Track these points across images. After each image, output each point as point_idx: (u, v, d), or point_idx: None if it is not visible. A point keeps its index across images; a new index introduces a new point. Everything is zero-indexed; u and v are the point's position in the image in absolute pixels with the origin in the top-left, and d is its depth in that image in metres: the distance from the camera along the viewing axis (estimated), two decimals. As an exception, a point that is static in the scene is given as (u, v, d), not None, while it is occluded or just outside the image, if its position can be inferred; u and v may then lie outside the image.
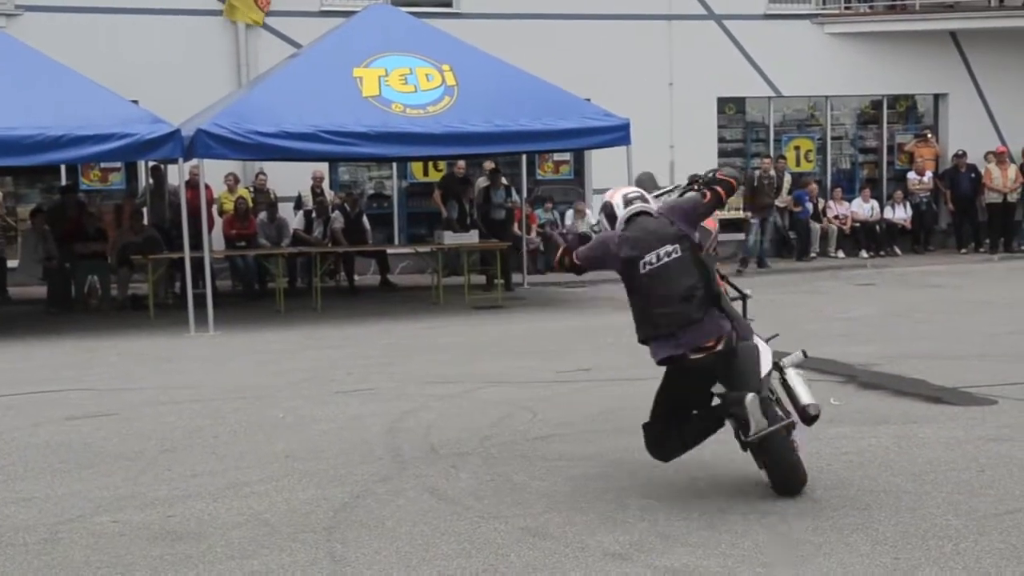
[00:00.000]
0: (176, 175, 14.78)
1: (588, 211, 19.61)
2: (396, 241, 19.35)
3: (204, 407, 8.41)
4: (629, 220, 5.77)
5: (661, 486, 5.90)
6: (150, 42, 17.65)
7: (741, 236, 19.37)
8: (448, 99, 13.73)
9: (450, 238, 15.91)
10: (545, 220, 19.23)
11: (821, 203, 20.47)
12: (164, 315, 14.32)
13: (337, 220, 17.17)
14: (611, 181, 17.51)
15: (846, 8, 21.36)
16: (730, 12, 20.29)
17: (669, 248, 5.62)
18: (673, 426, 5.84)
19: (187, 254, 13.11)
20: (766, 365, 5.76)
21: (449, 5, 19.29)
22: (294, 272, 17.03)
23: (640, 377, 9.13)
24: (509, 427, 7.43)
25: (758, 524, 5.24)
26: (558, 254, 6.07)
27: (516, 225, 17.70)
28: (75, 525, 5.54)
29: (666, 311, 5.59)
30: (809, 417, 5.71)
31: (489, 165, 17.56)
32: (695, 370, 5.66)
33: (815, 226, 20.28)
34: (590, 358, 10.24)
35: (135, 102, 14.28)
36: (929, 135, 21.41)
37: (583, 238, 6.12)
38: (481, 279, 16.85)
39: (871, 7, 21.73)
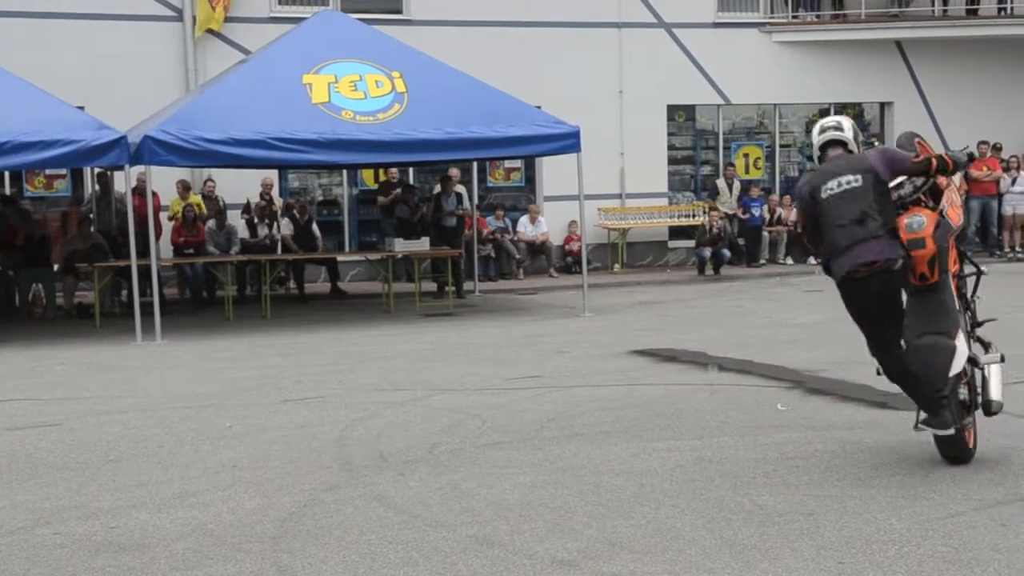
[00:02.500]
0: (123, 182, 14.62)
1: (541, 217, 19.71)
2: (347, 248, 19.28)
3: (150, 416, 8.31)
4: (823, 149, 6.24)
5: (609, 493, 5.91)
6: (96, 47, 17.47)
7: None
8: (398, 106, 13.70)
9: (401, 245, 15.87)
10: (496, 227, 19.26)
11: (777, 210, 20.64)
12: (110, 324, 14.16)
13: (287, 227, 17.08)
14: (562, 188, 17.90)
15: (793, 17, 21.59)
16: (680, 20, 20.45)
17: (851, 177, 6.00)
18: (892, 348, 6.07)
19: (134, 262, 12.97)
20: (957, 366, 5.97)
21: (399, 12, 19.27)
22: (243, 280, 16.91)
23: (589, 384, 9.18)
24: (458, 434, 7.41)
25: (704, 530, 5.26)
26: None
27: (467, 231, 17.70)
28: (15, 538, 5.44)
29: (841, 229, 5.93)
30: (990, 412, 6.11)
31: (455, 172, 17.56)
32: (862, 289, 5.94)
33: (764, 233, 20.46)
34: (540, 365, 10.26)
35: (81, 108, 14.15)
36: (876, 143, 21.65)
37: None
38: (432, 287, 16.82)
39: (818, 16, 21.99)
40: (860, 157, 6.14)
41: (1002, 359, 6.24)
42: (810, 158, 22.19)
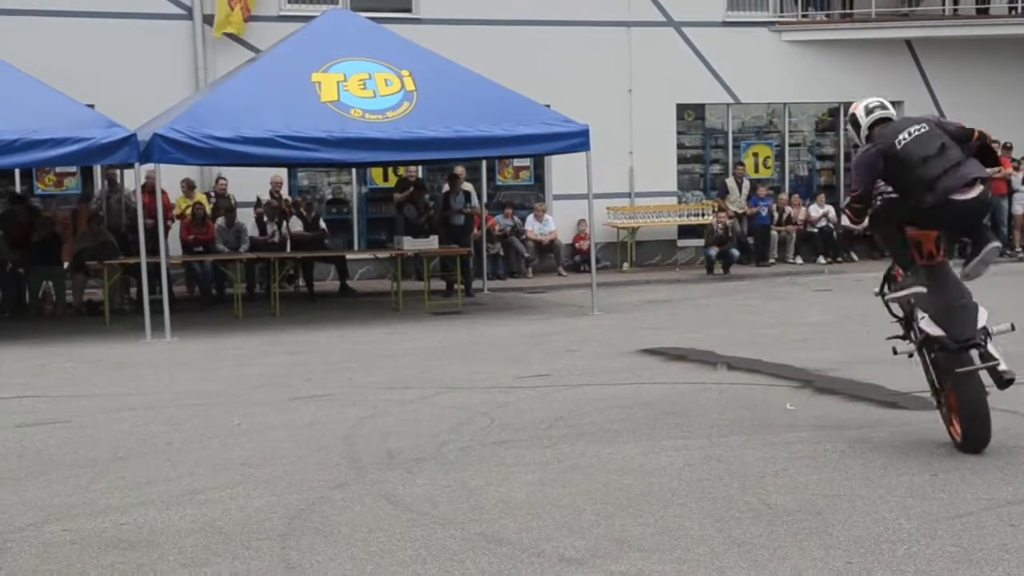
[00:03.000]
0: (132, 180, 14.65)
1: (548, 216, 19.72)
2: (356, 247, 19.30)
3: (159, 414, 8.33)
4: (873, 127, 6.55)
5: (617, 491, 5.91)
6: (106, 46, 17.51)
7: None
8: (407, 104, 13.71)
9: (410, 244, 15.88)
10: (505, 225, 19.27)
11: (787, 209, 20.61)
12: (120, 321, 14.19)
13: (295, 224, 17.12)
14: (571, 187, 17.87)
15: (803, 16, 21.56)
16: (689, 19, 20.42)
17: (916, 127, 6.41)
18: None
19: (143, 259, 13.00)
20: (983, 319, 6.34)
21: (409, 10, 19.28)
22: (252, 278, 16.94)
23: (598, 383, 9.17)
24: (467, 433, 7.41)
25: (713, 529, 5.25)
26: (853, 214, 6.62)
27: (476, 230, 17.70)
28: (25, 534, 5.46)
29: (927, 161, 6.24)
30: (1004, 381, 6.23)
31: (460, 171, 17.55)
32: (963, 207, 6.23)
33: (774, 232, 20.43)
34: (548, 364, 10.25)
35: (91, 106, 14.18)
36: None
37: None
38: (441, 285, 16.83)
39: (828, 15, 21.94)
40: (912, 118, 6.60)
41: (1012, 327, 6.45)
42: (820, 157, 22.22)
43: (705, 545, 5.04)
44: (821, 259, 20.41)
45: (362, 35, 14.67)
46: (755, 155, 21.69)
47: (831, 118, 22.13)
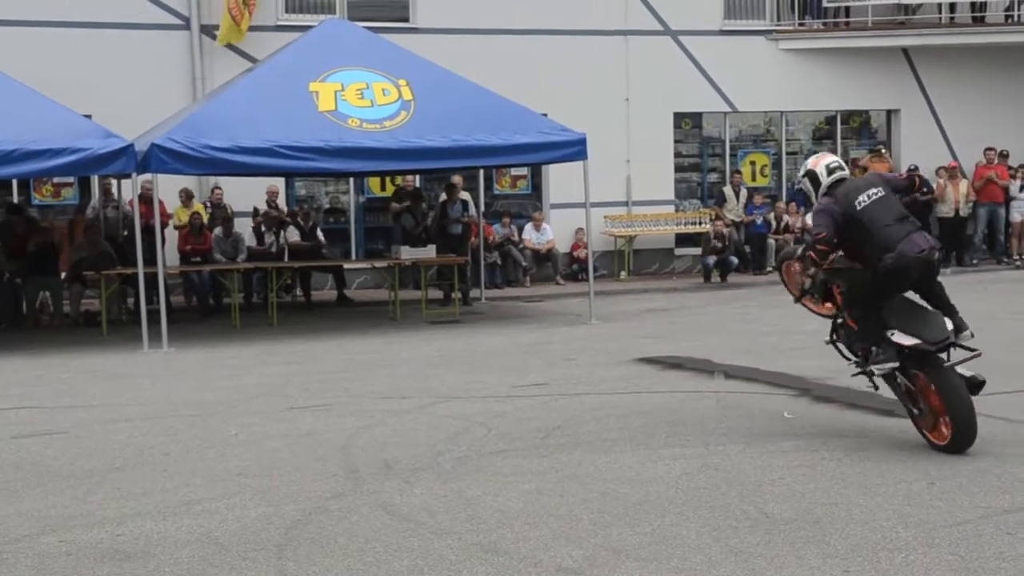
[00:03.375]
0: (129, 190, 14.65)
1: (546, 225, 19.73)
2: (353, 256, 19.30)
3: (156, 424, 8.32)
4: (832, 185, 7.07)
5: (614, 500, 5.90)
6: (103, 56, 17.51)
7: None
8: (405, 114, 13.72)
9: (407, 253, 15.88)
10: (502, 234, 19.27)
11: (784, 218, 20.61)
12: (117, 331, 14.18)
13: (292, 233, 17.12)
14: (569, 195, 17.88)
15: (800, 25, 21.58)
16: (686, 28, 20.44)
17: (874, 191, 6.99)
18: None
19: (140, 269, 12.99)
20: (949, 327, 6.77)
21: (406, 20, 19.30)
22: (250, 287, 16.92)
23: (595, 392, 9.17)
24: (464, 442, 7.41)
25: (710, 538, 5.25)
26: (818, 256, 7.02)
27: (474, 239, 17.70)
28: (20, 545, 5.45)
29: (889, 227, 6.85)
30: (976, 384, 6.68)
31: (457, 180, 17.55)
32: (914, 269, 6.80)
33: (771, 240, 20.43)
34: (546, 373, 10.25)
35: (88, 116, 14.17)
36: (883, 150, 21.65)
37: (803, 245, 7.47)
38: (439, 294, 16.82)
39: (824, 24, 21.97)
40: (869, 179, 7.34)
41: (972, 334, 6.86)
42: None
43: (702, 554, 5.04)
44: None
45: (360, 45, 14.68)
46: (752, 163, 21.70)
47: (828, 126, 22.15)
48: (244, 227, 17.04)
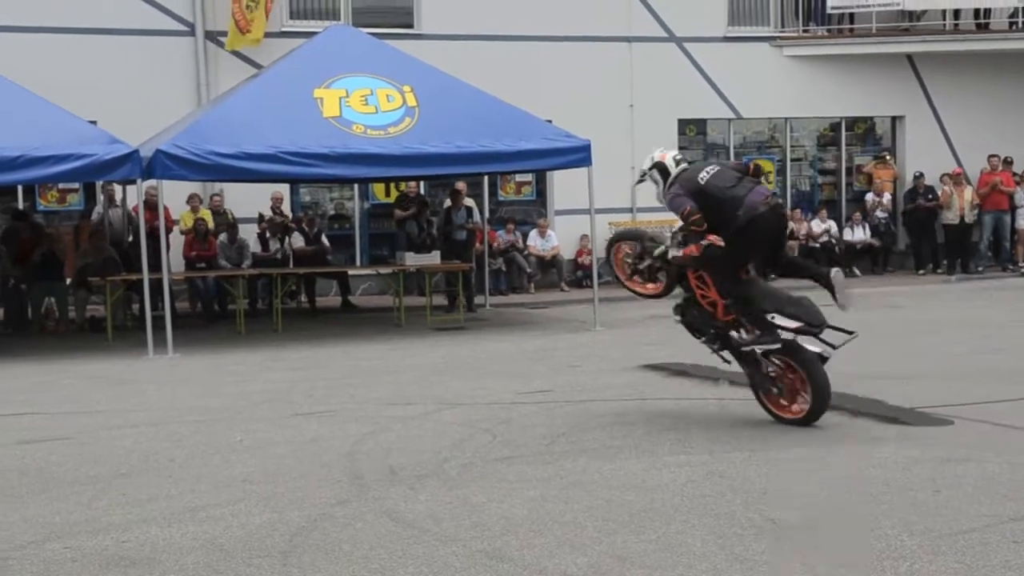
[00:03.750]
0: (134, 196, 14.67)
1: (551, 231, 19.73)
2: (358, 262, 19.31)
3: (161, 430, 8.33)
4: (679, 175, 7.96)
5: (619, 508, 5.90)
6: (109, 62, 17.54)
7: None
8: (409, 120, 13.74)
9: (412, 259, 15.88)
10: (507, 241, 19.27)
11: (789, 225, 20.61)
12: (122, 337, 14.19)
13: (297, 239, 17.15)
14: (573, 202, 17.87)
15: (804, 31, 21.59)
16: (690, 34, 20.46)
17: (711, 167, 7.97)
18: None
19: (145, 275, 13.01)
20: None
21: (411, 26, 19.32)
22: (255, 293, 16.94)
23: (600, 398, 9.17)
24: (469, 449, 7.40)
25: (715, 545, 5.24)
26: (696, 224, 7.73)
27: (478, 245, 17.69)
28: (26, 552, 5.45)
29: (732, 189, 7.69)
30: (823, 359, 7.64)
31: (462, 186, 17.55)
32: (765, 220, 7.60)
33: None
34: (551, 379, 10.25)
35: (93, 122, 14.19)
36: (888, 156, 21.64)
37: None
38: (443, 300, 16.82)
39: (828, 30, 21.97)
40: (700, 163, 8.71)
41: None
42: (821, 171, 22.25)
43: (707, 562, 5.03)
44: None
45: (364, 51, 14.70)
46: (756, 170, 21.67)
47: (833, 133, 22.15)
48: (249, 233, 17.06)
